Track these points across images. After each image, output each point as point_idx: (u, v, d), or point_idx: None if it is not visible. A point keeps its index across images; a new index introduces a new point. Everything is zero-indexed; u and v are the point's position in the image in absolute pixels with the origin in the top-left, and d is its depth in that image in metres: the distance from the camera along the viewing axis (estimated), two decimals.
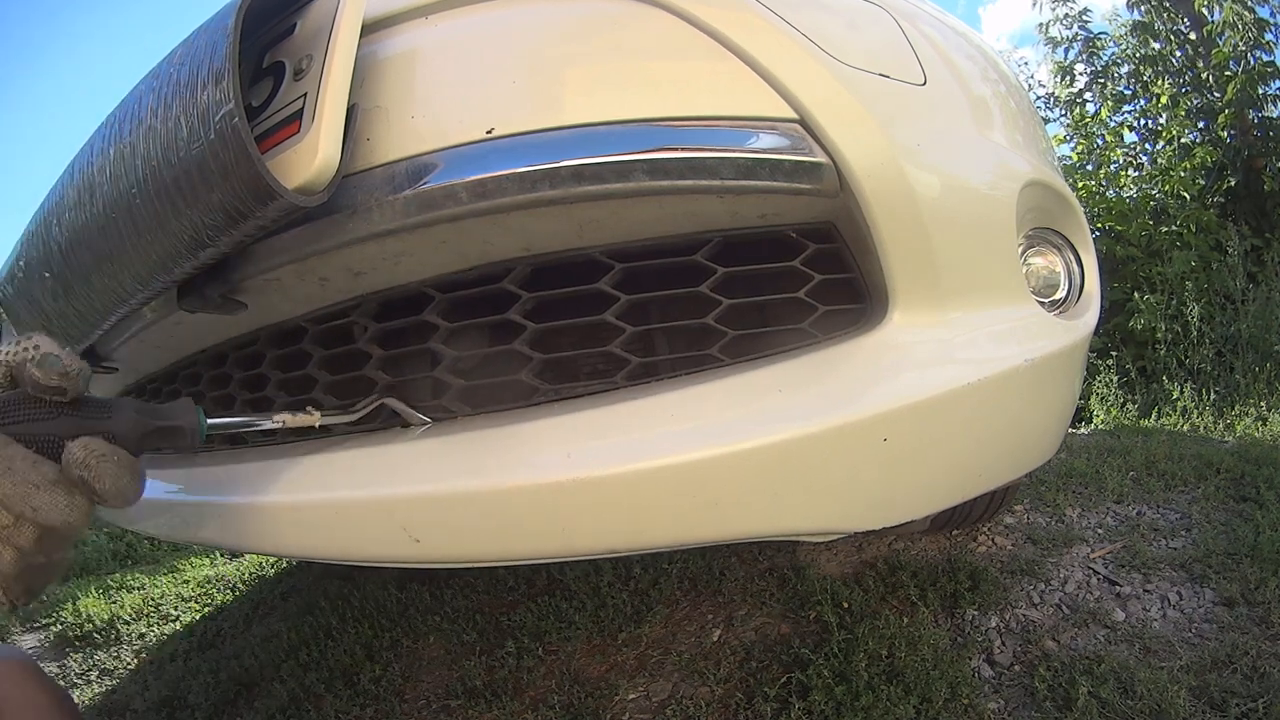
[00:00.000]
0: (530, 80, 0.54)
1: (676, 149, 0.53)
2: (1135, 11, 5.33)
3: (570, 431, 0.57)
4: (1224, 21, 4.57)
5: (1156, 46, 5.12)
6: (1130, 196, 4.31)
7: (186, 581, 2.01)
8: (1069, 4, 5.81)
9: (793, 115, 0.55)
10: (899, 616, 1.06)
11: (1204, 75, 4.68)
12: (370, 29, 0.57)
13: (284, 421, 0.59)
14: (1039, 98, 5.64)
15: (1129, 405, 2.91)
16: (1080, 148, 4.86)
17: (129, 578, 2.12)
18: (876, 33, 0.67)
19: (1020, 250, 0.75)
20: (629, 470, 0.53)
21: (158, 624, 1.75)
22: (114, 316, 0.65)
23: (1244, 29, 4.50)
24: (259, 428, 0.58)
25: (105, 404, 0.45)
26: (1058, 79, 5.71)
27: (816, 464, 0.56)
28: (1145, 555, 1.18)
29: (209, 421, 0.51)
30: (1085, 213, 0.85)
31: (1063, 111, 5.41)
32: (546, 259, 0.60)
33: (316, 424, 0.61)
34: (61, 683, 1.42)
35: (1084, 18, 5.77)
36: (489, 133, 0.53)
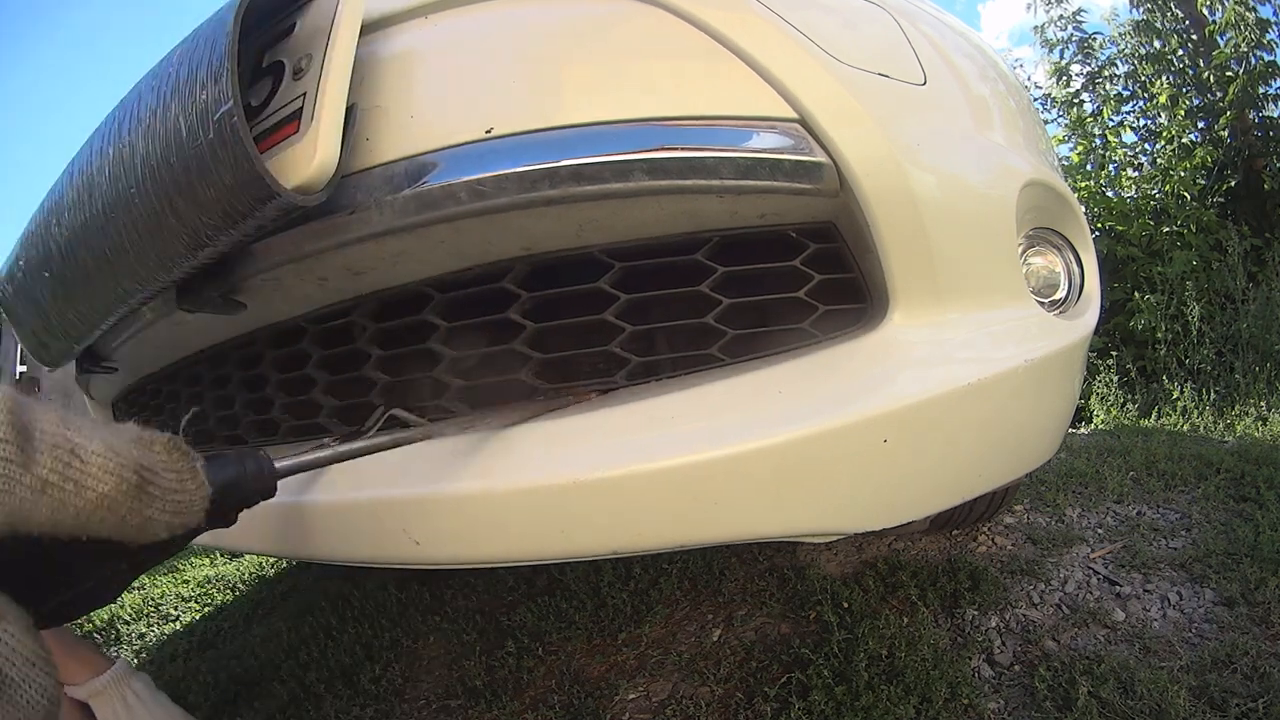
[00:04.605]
0: (529, 80, 0.54)
1: (676, 148, 0.53)
2: (1137, 11, 5.33)
3: (570, 432, 0.56)
4: (1225, 21, 4.57)
5: (1158, 45, 5.12)
6: (1130, 197, 4.31)
7: (186, 581, 2.01)
8: (1063, 4, 5.82)
9: (792, 115, 0.55)
10: (899, 616, 1.06)
11: (1205, 75, 4.68)
12: (370, 28, 0.57)
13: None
14: (1035, 99, 5.63)
15: (1129, 405, 2.91)
16: (1080, 148, 4.87)
17: None
18: (876, 32, 0.67)
19: (1020, 250, 0.75)
20: (629, 471, 0.53)
21: (158, 624, 1.74)
22: (114, 316, 0.65)
23: (1246, 30, 4.49)
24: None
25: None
26: (1054, 80, 5.71)
27: (817, 465, 0.56)
28: (1145, 555, 1.18)
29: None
30: (1085, 213, 0.85)
31: (1060, 112, 5.42)
32: (546, 258, 0.60)
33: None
34: None
35: (1078, 18, 5.78)
36: (488, 132, 0.53)
